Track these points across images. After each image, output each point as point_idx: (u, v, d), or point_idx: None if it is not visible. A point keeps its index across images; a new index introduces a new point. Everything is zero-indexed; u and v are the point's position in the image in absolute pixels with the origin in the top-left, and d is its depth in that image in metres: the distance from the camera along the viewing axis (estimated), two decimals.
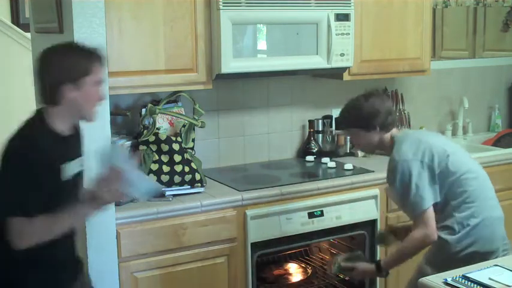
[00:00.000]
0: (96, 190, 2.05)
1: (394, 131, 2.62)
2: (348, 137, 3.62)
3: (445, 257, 2.50)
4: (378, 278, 3.24)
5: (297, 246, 3.20)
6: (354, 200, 3.14)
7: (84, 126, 2.25)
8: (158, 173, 2.85)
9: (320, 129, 3.65)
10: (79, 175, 2.18)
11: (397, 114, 3.70)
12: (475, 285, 2.00)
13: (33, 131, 2.06)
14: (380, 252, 3.23)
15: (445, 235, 2.50)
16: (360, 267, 2.69)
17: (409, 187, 2.46)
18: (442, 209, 2.51)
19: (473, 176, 2.54)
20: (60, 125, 2.09)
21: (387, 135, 2.60)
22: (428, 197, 2.45)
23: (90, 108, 2.13)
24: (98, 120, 2.21)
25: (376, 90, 2.70)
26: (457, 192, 2.50)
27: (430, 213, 2.47)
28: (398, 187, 2.50)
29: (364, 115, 2.56)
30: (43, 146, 2.02)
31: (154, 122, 2.88)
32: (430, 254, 2.60)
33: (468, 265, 2.43)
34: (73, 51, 2.12)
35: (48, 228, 2.03)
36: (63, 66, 2.05)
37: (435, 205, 2.49)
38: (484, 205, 2.52)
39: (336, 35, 3.16)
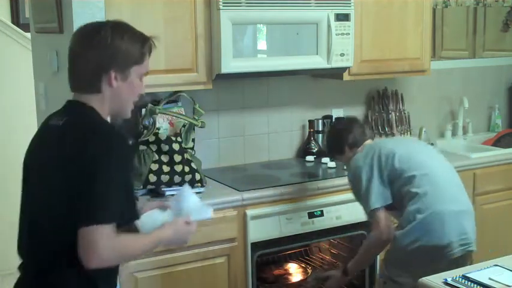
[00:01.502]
0: (183, 233, 1.91)
1: (367, 142, 2.81)
2: None
3: (395, 253, 2.59)
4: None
5: (297, 246, 3.21)
6: (354, 200, 3.12)
7: None
8: (158, 173, 2.85)
9: (320, 129, 3.65)
10: None
11: (398, 114, 3.70)
12: (475, 285, 2.01)
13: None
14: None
15: (395, 232, 2.58)
16: (332, 274, 2.95)
17: (360, 190, 2.64)
18: (398, 208, 2.59)
19: (424, 172, 2.57)
20: (104, 117, 1.83)
21: (360, 149, 2.78)
22: (376, 198, 2.58)
23: (130, 102, 1.85)
24: None
25: (344, 117, 3.02)
26: (405, 190, 2.56)
27: (381, 214, 2.58)
28: (353, 191, 2.74)
29: (332, 143, 2.91)
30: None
31: (154, 122, 2.88)
32: (386, 251, 2.70)
33: (419, 259, 2.50)
34: (126, 32, 1.81)
35: (140, 245, 1.78)
36: (113, 49, 1.76)
37: (391, 205, 2.60)
38: (435, 200, 2.52)
39: (336, 35, 3.16)
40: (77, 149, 1.69)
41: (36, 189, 1.82)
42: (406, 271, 2.53)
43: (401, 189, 2.57)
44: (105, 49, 1.76)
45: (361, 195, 2.64)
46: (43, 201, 1.78)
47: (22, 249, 1.87)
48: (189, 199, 2.01)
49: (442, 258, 2.47)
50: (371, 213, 2.61)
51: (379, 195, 2.58)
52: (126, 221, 1.78)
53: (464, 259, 2.50)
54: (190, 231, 1.93)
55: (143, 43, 1.82)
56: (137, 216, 1.82)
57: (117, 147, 1.72)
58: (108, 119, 1.87)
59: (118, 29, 1.80)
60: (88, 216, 1.65)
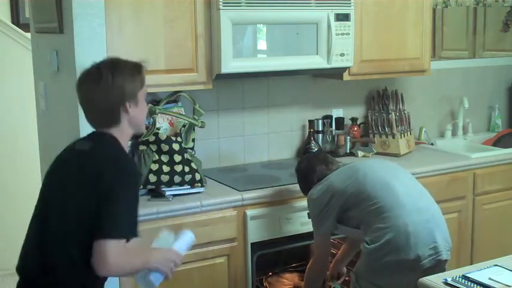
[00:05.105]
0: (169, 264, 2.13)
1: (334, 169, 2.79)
2: (348, 138, 3.66)
3: (366, 266, 2.54)
4: None
5: (297, 246, 3.20)
6: None
7: (84, 127, 2.25)
8: (158, 173, 2.85)
9: (320, 129, 3.65)
10: None
11: (398, 114, 3.70)
12: (475, 285, 2.01)
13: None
14: None
15: (362, 246, 2.54)
16: None
17: (313, 219, 2.73)
18: (363, 226, 2.56)
19: (386, 191, 2.53)
20: (124, 143, 2.13)
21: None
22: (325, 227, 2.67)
23: (144, 120, 2.19)
24: None
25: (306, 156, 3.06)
26: (368, 210, 2.53)
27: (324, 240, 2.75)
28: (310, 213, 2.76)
29: (301, 185, 2.88)
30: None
31: (154, 122, 2.88)
32: (357, 262, 2.65)
33: (389, 272, 2.47)
34: (125, 67, 2.10)
35: (143, 259, 2.05)
36: (122, 84, 2.05)
37: (357, 222, 2.59)
38: (398, 215, 2.47)
39: (336, 35, 3.16)
40: (99, 175, 1.97)
41: (52, 203, 2.06)
42: (376, 285, 2.50)
43: (364, 210, 2.54)
44: (114, 89, 2.04)
45: (313, 220, 2.73)
46: (57, 212, 2.02)
47: (27, 252, 2.08)
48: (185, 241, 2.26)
49: (412, 270, 2.40)
50: (317, 237, 2.74)
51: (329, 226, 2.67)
52: (132, 236, 2.02)
53: (438, 268, 2.42)
54: (175, 261, 2.16)
55: (139, 72, 2.13)
56: (138, 234, 2.05)
57: (131, 178, 2.03)
58: (126, 142, 2.16)
59: (116, 68, 2.08)
60: (102, 231, 1.92)
